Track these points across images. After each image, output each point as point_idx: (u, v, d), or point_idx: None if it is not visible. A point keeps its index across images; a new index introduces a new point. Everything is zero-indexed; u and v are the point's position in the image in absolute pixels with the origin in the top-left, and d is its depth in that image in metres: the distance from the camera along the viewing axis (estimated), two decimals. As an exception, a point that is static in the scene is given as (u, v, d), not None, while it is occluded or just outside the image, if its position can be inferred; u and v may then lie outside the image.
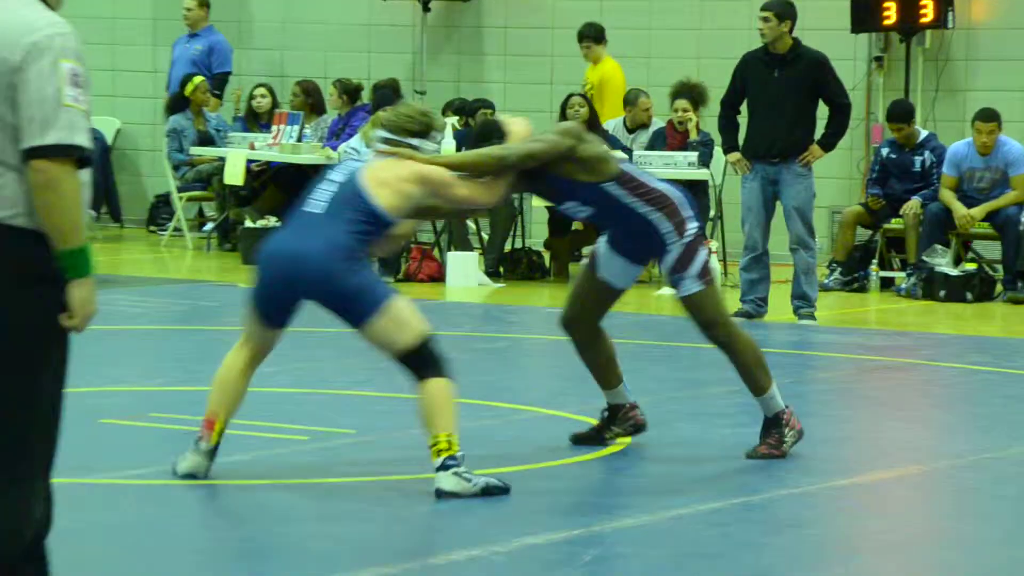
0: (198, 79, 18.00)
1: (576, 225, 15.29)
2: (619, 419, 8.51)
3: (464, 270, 15.28)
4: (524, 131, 7.98)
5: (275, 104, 18.05)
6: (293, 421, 9.05)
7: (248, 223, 16.67)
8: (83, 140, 4.75)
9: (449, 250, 15.56)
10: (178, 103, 18.11)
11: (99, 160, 18.66)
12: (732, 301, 12.13)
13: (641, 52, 17.57)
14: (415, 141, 7.73)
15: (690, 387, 10.62)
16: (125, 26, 19.37)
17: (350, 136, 16.34)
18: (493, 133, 7.97)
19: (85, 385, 9.82)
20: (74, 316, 4.83)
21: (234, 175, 16.90)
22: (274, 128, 17.25)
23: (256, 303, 7.75)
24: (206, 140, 17.82)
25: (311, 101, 17.87)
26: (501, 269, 15.88)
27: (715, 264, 8.47)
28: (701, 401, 10.09)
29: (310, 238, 7.59)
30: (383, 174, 7.67)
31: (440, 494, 7.48)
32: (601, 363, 8.44)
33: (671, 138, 15.83)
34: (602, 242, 8.29)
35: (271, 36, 19.13)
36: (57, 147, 4.73)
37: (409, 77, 18.29)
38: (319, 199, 7.68)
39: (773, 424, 8.26)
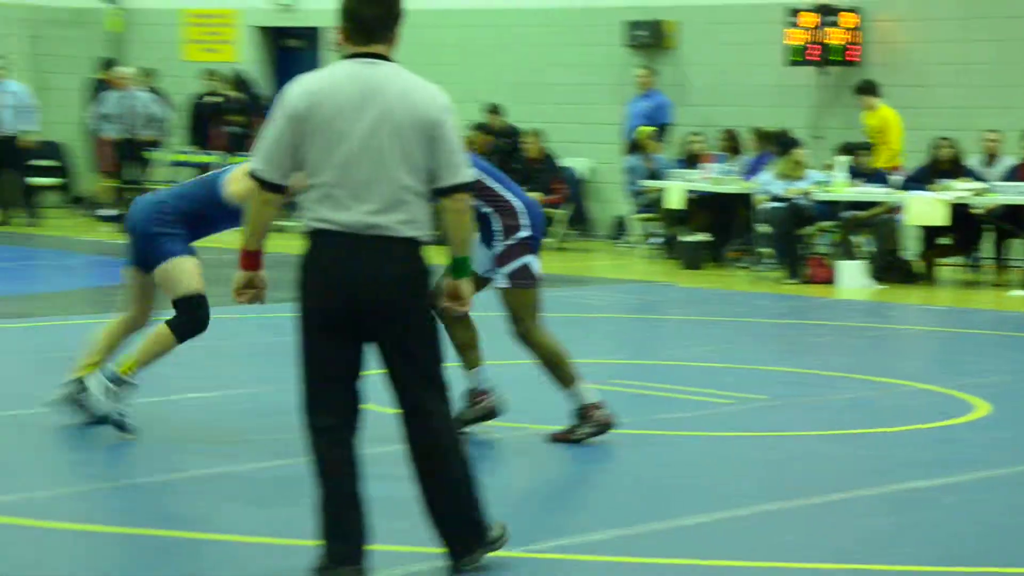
0: (647, 129, 18.26)
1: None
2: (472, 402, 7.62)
3: (853, 275, 15.16)
4: None
5: (706, 147, 18.24)
6: (720, 388, 9.04)
7: (684, 237, 16.87)
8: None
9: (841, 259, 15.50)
10: (633, 147, 18.43)
11: (575, 190, 19.22)
12: None
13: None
14: None
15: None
16: (595, 91, 19.64)
17: (759, 171, 16.48)
18: None
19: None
20: (465, 303, 5.06)
21: (674, 201, 17.14)
22: (705, 166, 17.43)
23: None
24: (654, 175, 18.05)
25: (732, 144, 18.01)
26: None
27: (539, 271, 7.43)
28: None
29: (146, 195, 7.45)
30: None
31: (82, 387, 7.09)
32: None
33: None
34: None
35: (703, 95, 19.09)
36: (467, 184, 4.97)
37: (810, 125, 18.23)
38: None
39: (576, 415, 7.44)
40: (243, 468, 6.62)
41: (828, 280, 15.23)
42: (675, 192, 17.07)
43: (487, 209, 7.35)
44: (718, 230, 17.03)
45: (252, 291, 5.08)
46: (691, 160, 17.98)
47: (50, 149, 21.51)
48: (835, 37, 17.95)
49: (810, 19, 18.00)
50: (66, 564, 5.34)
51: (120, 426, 7.02)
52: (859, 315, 13.63)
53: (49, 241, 18.02)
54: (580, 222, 19.66)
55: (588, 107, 19.57)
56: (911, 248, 16.31)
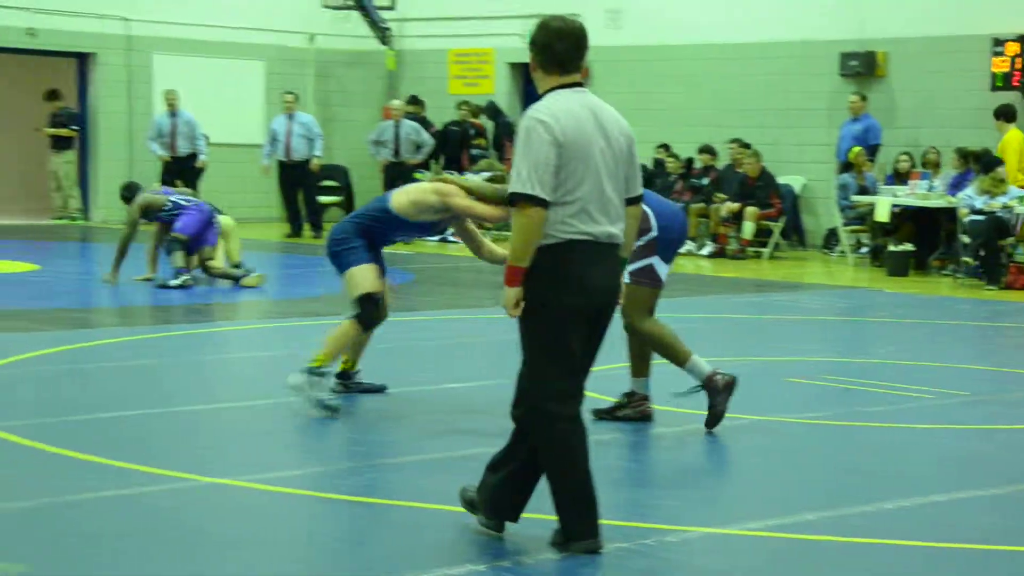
0: (857, 149, 17.93)
1: None
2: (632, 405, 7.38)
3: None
4: None
5: (912, 165, 17.80)
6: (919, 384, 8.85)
7: (891, 247, 16.52)
8: None
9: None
10: (845, 166, 18.12)
11: (790, 204, 18.94)
12: None
13: None
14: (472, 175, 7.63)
15: None
16: (811, 116, 19.32)
17: (963, 187, 15.98)
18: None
19: (778, 356, 10.08)
20: (621, 298, 5.15)
21: (882, 215, 16.79)
22: (911, 182, 17.04)
23: None
24: (863, 191, 17.74)
25: (936, 162, 17.56)
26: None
27: (663, 273, 7.18)
28: None
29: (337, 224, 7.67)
30: (409, 188, 7.61)
31: (287, 385, 7.27)
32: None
33: None
34: None
35: (910, 118, 18.75)
36: (642, 196, 5.14)
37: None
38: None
39: (702, 388, 7.13)
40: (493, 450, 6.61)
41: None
42: (883, 206, 16.78)
43: None
44: (922, 241, 16.72)
45: (521, 305, 5.00)
46: (898, 177, 17.67)
47: (334, 171, 22.03)
48: (1037, 65, 17.59)
49: (1014, 48, 17.72)
50: (335, 529, 5.39)
51: (328, 408, 7.25)
52: (1055, 318, 13.10)
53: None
54: (794, 233, 19.43)
55: (804, 130, 19.33)
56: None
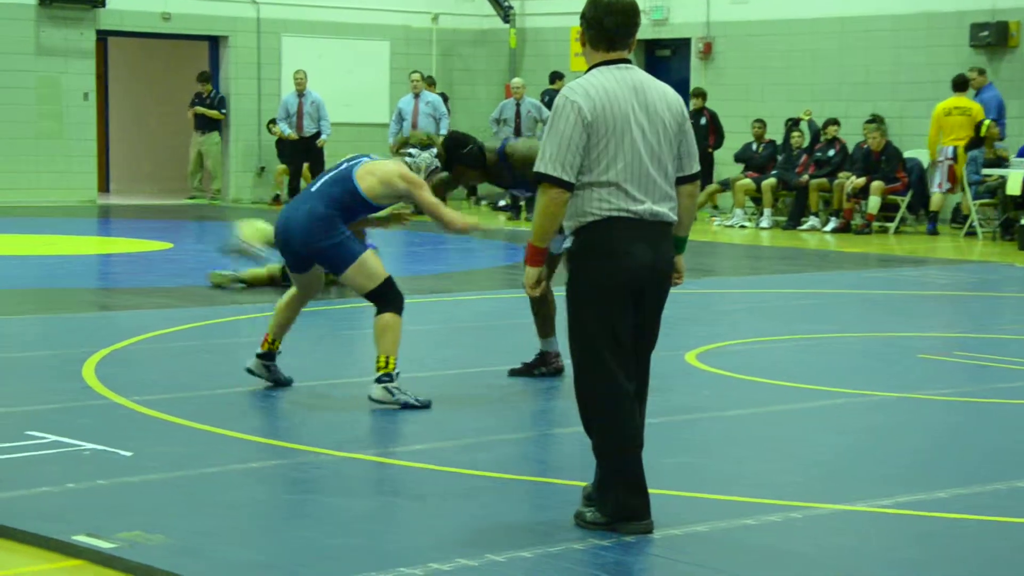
0: (988, 122, 17.48)
1: None
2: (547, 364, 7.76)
3: None
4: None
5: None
6: None
7: (1023, 221, 16.11)
8: None
9: None
10: (975, 140, 17.68)
11: (917, 178, 18.57)
12: None
13: None
14: (414, 151, 7.29)
15: None
16: (940, 88, 18.90)
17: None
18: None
19: (908, 331, 9.91)
20: (683, 275, 5.10)
21: (1014, 188, 16.40)
22: (1044, 155, 16.67)
23: (282, 256, 7.36)
24: (992, 164, 17.35)
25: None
26: None
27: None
28: None
29: (297, 209, 7.11)
30: (374, 167, 7.15)
31: (371, 399, 6.89)
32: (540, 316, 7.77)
33: None
34: None
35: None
36: (699, 173, 5.02)
37: None
38: (316, 181, 7.21)
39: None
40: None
41: None
42: (1016, 179, 16.38)
43: None
44: (1055, 214, 16.29)
45: (543, 284, 5.01)
46: (1030, 149, 17.25)
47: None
48: None
49: None
50: (471, 503, 5.42)
51: (421, 406, 6.95)
52: None
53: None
54: (921, 208, 18.98)
55: (932, 103, 18.88)
56: None
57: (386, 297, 7.03)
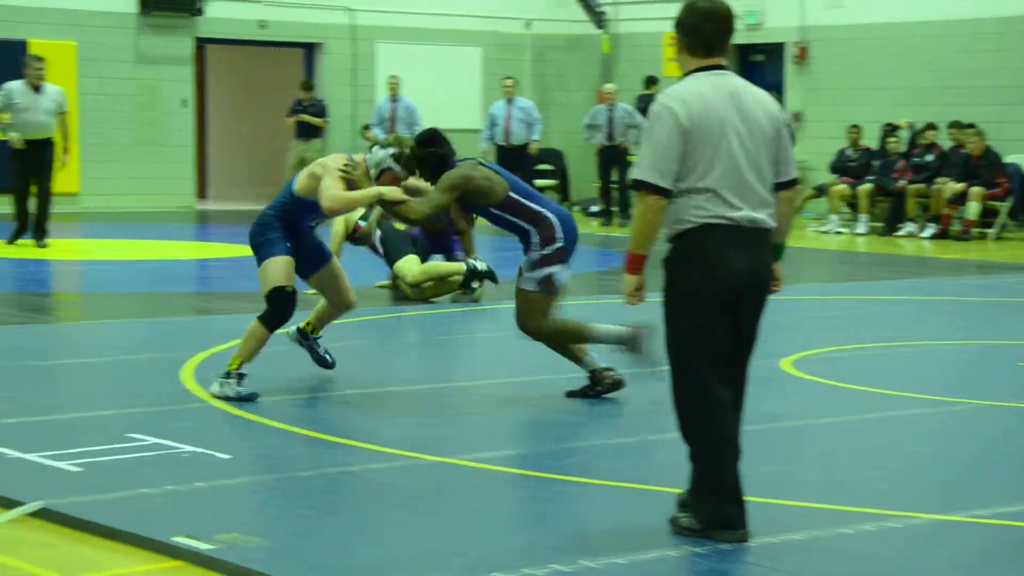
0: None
1: None
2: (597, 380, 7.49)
3: None
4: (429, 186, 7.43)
5: None
6: None
7: None
8: None
9: None
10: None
11: (1019, 184, 18.27)
12: None
13: None
14: (375, 148, 7.32)
15: None
16: None
17: None
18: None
19: (1008, 339, 9.73)
20: (781, 282, 5.03)
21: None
22: None
23: None
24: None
25: None
26: None
27: (564, 281, 7.29)
28: None
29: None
30: (312, 165, 7.27)
31: (211, 392, 7.12)
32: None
33: None
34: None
35: None
36: (798, 179, 4.99)
37: None
38: None
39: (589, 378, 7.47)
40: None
41: None
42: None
43: (523, 223, 7.31)
44: None
45: (641, 292, 5.00)
46: None
47: (549, 155, 22.16)
48: None
49: None
50: (550, 508, 5.43)
51: (247, 399, 7.12)
52: None
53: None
54: (1022, 214, 18.69)
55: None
56: None
57: (268, 305, 7.25)
